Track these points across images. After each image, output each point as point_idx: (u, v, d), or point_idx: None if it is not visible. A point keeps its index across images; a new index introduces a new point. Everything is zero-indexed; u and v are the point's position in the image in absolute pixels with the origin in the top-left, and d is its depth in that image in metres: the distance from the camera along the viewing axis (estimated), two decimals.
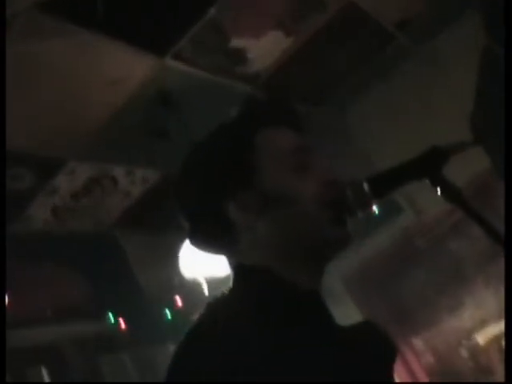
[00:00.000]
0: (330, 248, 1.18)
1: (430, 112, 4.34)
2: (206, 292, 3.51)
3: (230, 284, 1.15)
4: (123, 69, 3.20)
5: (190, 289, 3.63)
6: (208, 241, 1.25)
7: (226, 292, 1.13)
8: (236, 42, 3.45)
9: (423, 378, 4.58)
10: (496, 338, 4.40)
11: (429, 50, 4.35)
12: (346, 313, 4.61)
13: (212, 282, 3.44)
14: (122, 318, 4.08)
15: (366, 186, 1.16)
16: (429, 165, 1.15)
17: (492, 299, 4.44)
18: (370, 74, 4.44)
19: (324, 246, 1.17)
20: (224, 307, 1.09)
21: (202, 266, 3.21)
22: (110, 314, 4.05)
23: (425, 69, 4.37)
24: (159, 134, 3.70)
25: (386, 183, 1.18)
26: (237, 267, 1.18)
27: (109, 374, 3.98)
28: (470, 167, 3.26)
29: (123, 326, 4.05)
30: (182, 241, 3.32)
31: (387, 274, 4.77)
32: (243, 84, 3.80)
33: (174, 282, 3.73)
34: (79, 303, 3.94)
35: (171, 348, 4.54)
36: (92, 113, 3.38)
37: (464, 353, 4.52)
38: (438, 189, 1.14)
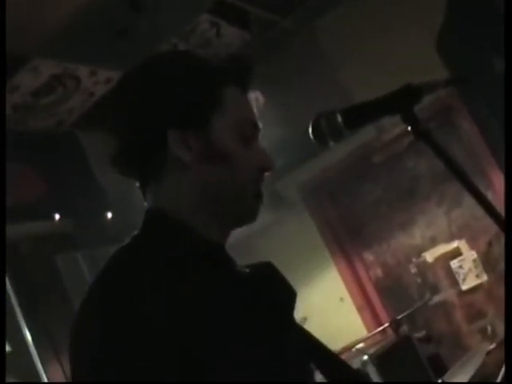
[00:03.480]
0: (242, 218, 1.21)
1: (400, 29, 4.33)
2: None
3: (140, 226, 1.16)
4: None
5: None
6: (133, 162, 1.21)
7: (134, 238, 1.13)
8: None
9: (371, 289, 4.74)
10: (444, 257, 4.55)
11: None
12: (300, 223, 4.72)
13: None
14: (79, 218, 4.10)
15: (339, 117, 1.19)
16: (402, 102, 1.18)
17: (443, 219, 4.56)
18: None
19: (239, 214, 1.20)
20: (132, 256, 1.10)
21: None
22: (66, 214, 4.06)
23: None
24: (125, 35, 3.64)
25: (359, 116, 1.22)
26: (150, 211, 1.18)
27: (65, 271, 4.03)
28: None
29: (79, 226, 4.08)
30: None
31: (342, 187, 4.85)
32: None
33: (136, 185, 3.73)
34: (37, 202, 3.94)
35: None
36: (58, 9, 3.29)
37: (413, 269, 4.67)
38: (409, 126, 1.18)
